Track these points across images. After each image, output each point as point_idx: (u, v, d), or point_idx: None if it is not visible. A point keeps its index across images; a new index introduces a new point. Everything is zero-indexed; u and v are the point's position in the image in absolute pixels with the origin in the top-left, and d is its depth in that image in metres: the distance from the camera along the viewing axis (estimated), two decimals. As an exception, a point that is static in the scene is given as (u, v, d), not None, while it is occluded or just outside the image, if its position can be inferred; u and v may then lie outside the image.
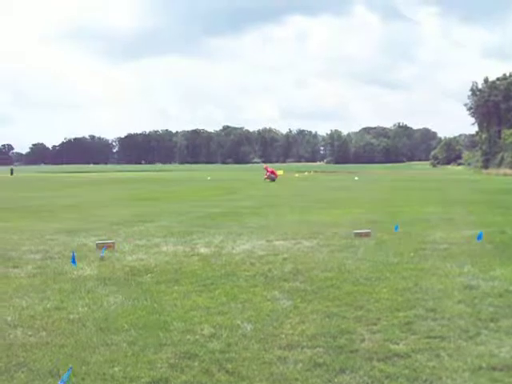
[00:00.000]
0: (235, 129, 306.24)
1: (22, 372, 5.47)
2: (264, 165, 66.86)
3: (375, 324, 6.84)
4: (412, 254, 11.44)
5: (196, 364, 5.61)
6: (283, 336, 6.44)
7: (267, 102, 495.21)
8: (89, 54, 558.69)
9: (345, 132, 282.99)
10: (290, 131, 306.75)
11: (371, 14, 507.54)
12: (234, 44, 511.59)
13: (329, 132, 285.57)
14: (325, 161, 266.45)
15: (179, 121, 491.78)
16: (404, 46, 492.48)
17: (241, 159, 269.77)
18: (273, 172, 58.00)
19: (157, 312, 7.46)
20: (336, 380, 5.21)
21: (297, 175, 76.59)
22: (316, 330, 6.63)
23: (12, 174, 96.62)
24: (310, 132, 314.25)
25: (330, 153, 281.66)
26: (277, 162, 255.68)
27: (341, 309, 7.50)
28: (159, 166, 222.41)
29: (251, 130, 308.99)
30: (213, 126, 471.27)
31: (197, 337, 6.43)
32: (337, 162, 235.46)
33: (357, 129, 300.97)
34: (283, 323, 6.94)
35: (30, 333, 6.72)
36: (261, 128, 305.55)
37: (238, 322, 6.95)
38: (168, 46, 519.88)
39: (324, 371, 5.40)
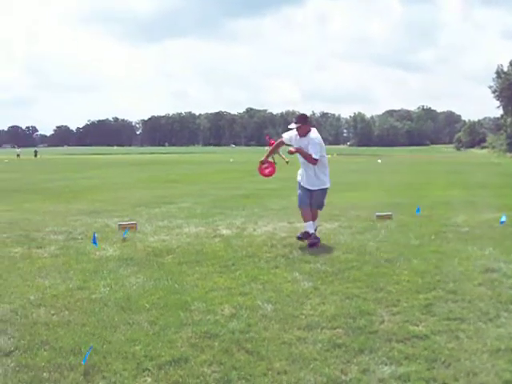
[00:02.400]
0: (258, 111, 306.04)
1: (45, 350, 5.54)
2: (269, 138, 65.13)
3: (395, 306, 6.84)
4: (433, 237, 11.41)
5: (216, 344, 5.65)
6: (303, 317, 6.47)
7: (289, 85, 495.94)
8: (111, 37, 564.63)
9: (368, 115, 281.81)
10: (314, 114, 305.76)
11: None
12: (254, 26, 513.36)
13: (352, 115, 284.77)
14: (348, 143, 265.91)
15: (202, 103, 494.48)
16: (425, 28, 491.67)
17: (264, 142, 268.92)
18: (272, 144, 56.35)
19: (178, 292, 7.51)
20: (355, 360, 5.23)
21: (319, 158, 76.41)
22: (336, 311, 6.64)
23: (36, 155, 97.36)
24: (334, 115, 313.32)
25: (353, 135, 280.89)
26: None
27: (361, 290, 7.50)
28: (182, 148, 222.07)
29: (274, 112, 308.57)
30: (236, 109, 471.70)
31: (217, 317, 6.48)
32: (360, 145, 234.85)
33: (380, 111, 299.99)
34: (303, 304, 6.96)
35: (52, 312, 6.79)
36: (284, 111, 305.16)
37: (259, 303, 6.98)
38: (188, 28, 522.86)
39: (343, 352, 5.42)
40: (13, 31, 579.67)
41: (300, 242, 10.81)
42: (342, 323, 6.20)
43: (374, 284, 7.81)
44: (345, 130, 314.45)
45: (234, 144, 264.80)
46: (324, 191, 10.94)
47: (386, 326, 6.10)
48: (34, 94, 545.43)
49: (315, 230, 10.93)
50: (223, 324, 6.22)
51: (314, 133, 10.71)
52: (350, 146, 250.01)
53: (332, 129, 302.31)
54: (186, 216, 14.89)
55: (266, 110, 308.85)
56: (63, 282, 8.17)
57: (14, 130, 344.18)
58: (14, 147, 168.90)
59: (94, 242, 10.54)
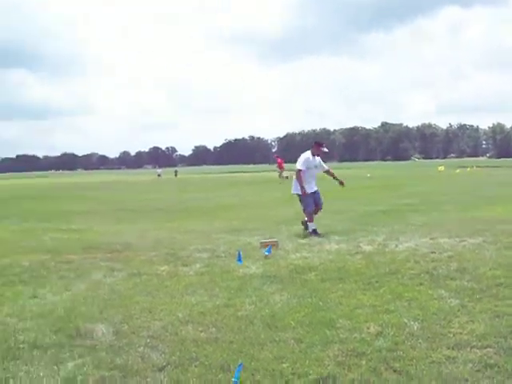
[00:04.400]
0: (393, 125, 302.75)
1: (195, 366, 5.69)
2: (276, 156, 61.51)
3: (550, 325, 6.58)
4: None
5: (363, 362, 5.62)
6: (451, 335, 6.33)
7: (423, 97, 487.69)
8: (244, 58, 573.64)
9: (508, 125, 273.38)
10: (451, 126, 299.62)
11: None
12: (385, 39, 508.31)
13: (491, 125, 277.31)
14: (487, 155, 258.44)
15: (336, 119, 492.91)
16: None
17: (400, 156, 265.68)
18: (280, 164, 52.52)
19: (322, 310, 7.53)
20: (508, 382, 5.07)
21: (458, 171, 74.56)
22: (485, 329, 6.46)
23: (176, 175, 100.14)
24: (472, 126, 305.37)
25: (492, 147, 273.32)
26: (437, 157, 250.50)
27: (511, 308, 7.27)
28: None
29: (410, 126, 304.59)
30: (370, 123, 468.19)
31: (363, 335, 6.44)
32: (499, 157, 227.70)
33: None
34: (451, 322, 6.81)
35: (200, 329, 6.96)
36: (420, 124, 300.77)
37: (405, 321, 6.89)
38: (320, 44, 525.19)
39: (495, 373, 5.26)
40: (158, 58, 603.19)
41: (444, 257, 10.64)
42: (492, 342, 6.03)
43: (525, 302, 7.54)
44: (484, 142, 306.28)
45: (417, 156, 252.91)
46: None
47: (540, 347, 5.87)
48: (174, 117, 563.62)
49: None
50: (369, 342, 6.18)
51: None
52: (489, 157, 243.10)
53: (470, 140, 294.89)
54: (327, 232, 14.89)
55: (401, 124, 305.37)
56: (209, 299, 8.36)
57: (155, 151, 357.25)
58: (155, 167, 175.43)
59: (239, 260, 10.73)
